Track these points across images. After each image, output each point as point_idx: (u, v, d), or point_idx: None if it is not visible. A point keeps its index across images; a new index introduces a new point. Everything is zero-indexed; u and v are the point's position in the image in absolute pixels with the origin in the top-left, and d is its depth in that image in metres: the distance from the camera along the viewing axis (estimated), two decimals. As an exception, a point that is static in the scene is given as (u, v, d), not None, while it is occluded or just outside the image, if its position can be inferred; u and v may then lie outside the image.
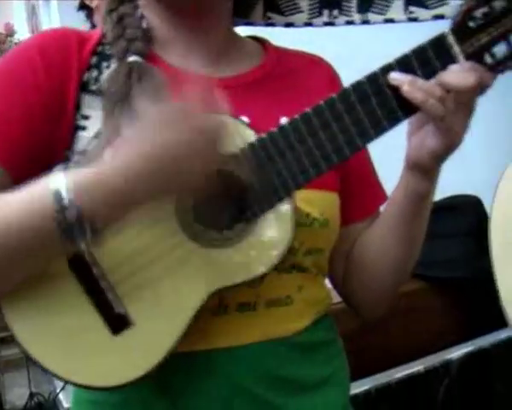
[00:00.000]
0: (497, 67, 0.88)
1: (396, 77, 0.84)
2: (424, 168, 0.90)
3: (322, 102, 0.85)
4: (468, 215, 1.54)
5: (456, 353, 1.64)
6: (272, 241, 0.85)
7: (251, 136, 0.85)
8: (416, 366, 1.58)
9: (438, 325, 1.58)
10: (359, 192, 1.03)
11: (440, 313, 1.60)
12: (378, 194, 1.03)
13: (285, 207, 0.86)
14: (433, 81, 0.84)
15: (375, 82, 0.85)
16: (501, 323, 1.36)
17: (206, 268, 0.84)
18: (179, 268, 0.85)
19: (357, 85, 0.85)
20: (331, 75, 1.05)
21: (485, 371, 1.55)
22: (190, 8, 0.94)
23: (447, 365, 1.65)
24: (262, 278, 0.87)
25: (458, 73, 0.83)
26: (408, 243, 0.98)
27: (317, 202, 0.93)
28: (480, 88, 0.84)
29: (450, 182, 1.61)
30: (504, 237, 1.38)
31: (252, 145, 0.84)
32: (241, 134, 0.85)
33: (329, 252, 0.99)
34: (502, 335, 1.50)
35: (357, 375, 1.47)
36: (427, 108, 0.83)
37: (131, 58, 0.91)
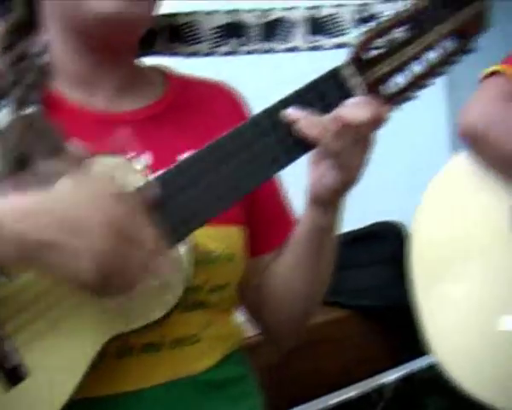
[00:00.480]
0: (398, 98, 0.87)
1: (292, 113, 0.82)
2: (324, 203, 0.89)
3: (217, 140, 0.83)
4: (390, 242, 1.54)
5: (389, 377, 1.65)
6: (168, 283, 0.83)
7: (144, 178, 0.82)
8: (350, 392, 1.58)
9: (362, 353, 1.57)
10: (266, 224, 1.02)
11: (364, 341, 1.59)
12: (286, 225, 1.01)
13: (182, 247, 0.84)
14: (329, 116, 0.82)
15: (272, 117, 0.84)
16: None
17: (102, 315, 0.82)
18: (77, 314, 0.82)
19: (254, 121, 0.84)
20: (236, 101, 1.04)
21: (417, 394, 1.55)
22: (100, 38, 0.91)
23: (380, 390, 1.65)
24: (164, 318, 0.85)
25: (353, 108, 0.82)
26: (314, 274, 0.97)
27: (221, 237, 0.91)
28: (377, 122, 0.83)
29: (379, 209, 1.62)
30: (423, 262, 1.37)
31: (147, 185, 0.82)
32: (136, 177, 0.82)
33: (236, 285, 0.97)
34: (429, 359, 1.50)
35: (287, 403, 1.47)
36: (322, 144, 0.82)
37: (29, 110, 0.87)
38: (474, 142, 1.31)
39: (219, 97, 1.03)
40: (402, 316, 1.36)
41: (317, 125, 0.81)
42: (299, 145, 0.83)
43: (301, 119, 0.82)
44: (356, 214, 1.99)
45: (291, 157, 0.84)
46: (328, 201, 0.88)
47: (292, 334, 1.05)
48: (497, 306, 1.31)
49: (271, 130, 0.83)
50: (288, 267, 0.98)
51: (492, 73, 1.32)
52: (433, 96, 1.43)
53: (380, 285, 1.60)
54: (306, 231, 0.93)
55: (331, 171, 0.85)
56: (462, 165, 1.36)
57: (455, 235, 1.35)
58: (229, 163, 0.83)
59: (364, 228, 1.82)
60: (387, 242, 1.61)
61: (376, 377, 1.63)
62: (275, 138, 0.83)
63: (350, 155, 0.83)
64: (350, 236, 1.76)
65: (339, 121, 0.81)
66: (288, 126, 0.83)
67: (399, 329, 1.38)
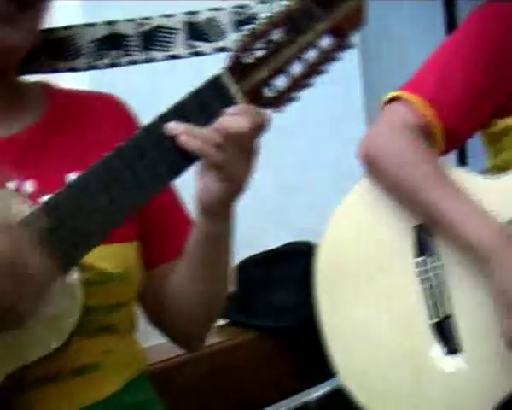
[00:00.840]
0: (279, 101, 0.87)
1: (172, 127, 0.81)
2: (212, 213, 0.88)
3: (102, 159, 0.82)
4: (303, 261, 1.53)
5: (314, 394, 1.66)
6: (64, 311, 0.82)
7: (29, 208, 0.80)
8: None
9: (272, 375, 1.57)
10: (162, 235, 1.02)
11: (274, 363, 1.59)
12: (183, 233, 1.01)
13: (74, 272, 0.82)
14: (209, 128, 0.82)
15: (153, 133, 0.82)
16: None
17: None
18: None
19: (136, 139, 0.82)
20: (123, 113, 1.02)
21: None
22: None
23: (305, 407, 1.66)
24: (63, 347, 0.83)
25: (233, 118, 0.81)
26: (209, 281, 0.97)
27: (112, 255, 0.90)
28: (258, 129, 0.82)
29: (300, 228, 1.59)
30: (327, 283, 1.36)
31: (33, 214, 0.80)
32: (21, 207, 0.80)
33: (134, 303, 0.97)
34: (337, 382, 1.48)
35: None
36: (204, 156, 0.81)
37: None
38: (369, 168, 1.33)
39: (106, 111, 1.00)
40: (316, 337, 1.35)
41: (198, 138, 0.80)
42: (182, 159, 0.82)
43: (181, 132, 0.80)
44: (277, 234, 2.02)
45: (176, 172, 0.83)
46: (215, 211, 0.88)
47: (196, 338, 1.06)
48: (396, 325, 1.32)
49: (153, 146, 0.82)
50: (183, 276, 0.98)
51: (392, 99, 1.32)
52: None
53: (292, 306, 1.59)
54: (197, 241, 0.93)
55: (216, 181, 0.84)
56: (371, 186, 1.35)
57: (357, 256, 1.35)
58: (114, 183, 0.81)
59: (278, 248, 1.82)
60: (300, 262, 1.59)
61: (294, 397, 1.64)
62: (157, 154, 0.82)
63: (235, 165, 0.82)
64: (263, 256, 1.76)
65: (219, 131, 0.80)
66: (171, 141, 0.82)
67: (314, 350, 1.36)
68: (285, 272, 1.68)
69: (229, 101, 0.83)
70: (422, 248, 1.32)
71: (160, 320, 1.05)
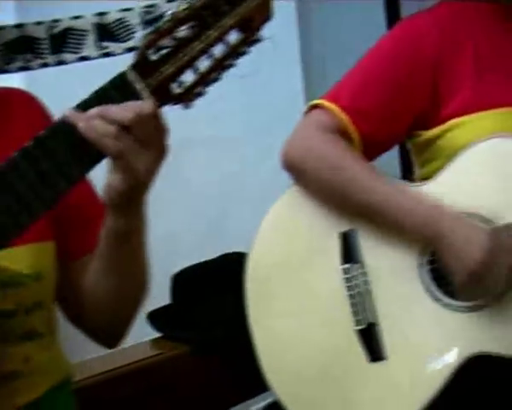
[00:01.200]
0: (187, 96, 0.87)
1: (71, 115, 0.81)
2: (117, 207, 0.88)
3: (10, 158, 0.82)
4: (235, 273, 1.52)
5: (253, 408, 1.65)
6: None
7: None
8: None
9: (208, 388, 1.55)
10: (78, 230, 1.02)
11: (210, 376, 1.58)
12: (99, 226, 1.00)
13: None
14: (94, 111, 0.81)
15: (60, 131, 0.82)
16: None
17: None
18: None
19: (42, 137, 0.82)
20: (35, 108, 1.02)
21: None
22: None
23: None
24: None
25: (120, 108, 0.81)
26: (123, 276, 0.96)
27: (26, 256, 0.90)
28: (143, 119, 0.82)
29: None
30: (256, 292, 1.35)
31: None
32: None
33: (53, 305, 0.96)
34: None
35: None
36: (101, 145, 0.81)
37: None
38: (294, 174, 1.34)
39: (21, 106, 1.00)
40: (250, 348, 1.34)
41: (96, 127, 0.80)
42: (89, 154, 0.82)
43: (81, 120, 0.80)
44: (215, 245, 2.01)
45: (84, 167, 0.83)
46: (119, 205, 0.87)
47: (115, 334, 1.05)
48: (324, 333, 1.32)
49: (60, 143, 0.82)
50: (98, 270, 0.97)
51: (314, 107, 1.35)
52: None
53: (226, 318, 1.57)
54: (105, 237, 0.93)
55: (116, 173, 0.84)
56: (299, 193, 1.36)
57: (285, 264, 1.35)
58: (21, 183, 0.81)
59: (211, 260, 1.82)
60: (234, 272, 1.58)
61: (244, 405, 1.62)
62: (64, 151, 0.82)
63: (132, 155, 0.82)
64: (196, 268, 1.76)
65: (111, 121, 0.80)
66: (77, 137, 0.82)
67: (249, 361, 1.34)
68: (219, 283, 1.68)
69: (135, 97, 0.83)
70: (349, 254, 1.33)
71: (78, 316, 1.04)
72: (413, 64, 1.32)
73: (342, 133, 1.31)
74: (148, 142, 0.83)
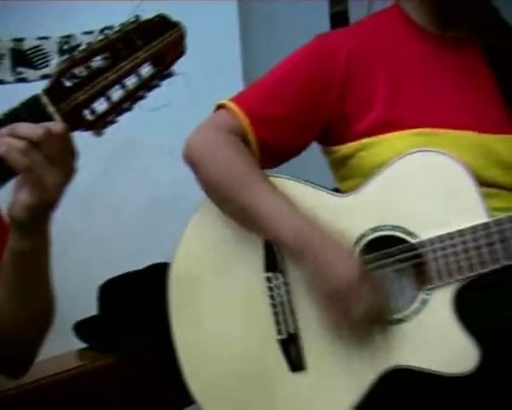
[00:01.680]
0: (98, 124, 0.90)
1: None
2: (21, 225, 0.89)
3: None
4: (161, 282, 1.52)
5: None
6: None
7: None
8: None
9: (135, 399, 1.53)
10: None
11: (137, 386, 1.55)
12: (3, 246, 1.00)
13: None
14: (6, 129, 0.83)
15: None
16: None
17: None
18: None
19: None
20: None
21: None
22: None
23: None
24: None
25: (29, 125, 0.83)
26: (23, 297, 0.96)
27: None
28: (51, 137, 0.84)
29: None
30: (178, 301, 1.35)
31: None
32: None
33: None
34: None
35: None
36: (10, 159, 0.83)
37: None
38: (192, 168, 1.35)
39: None
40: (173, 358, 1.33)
41: (5, 142, 0.82)
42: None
43: None
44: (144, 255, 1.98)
45: None
46: (23, 222, 0.88)
47: (21, 362, 1.04)
48: (247, 342, 1.31)
49: None
50: (2, 293, 0.96)
51: (221, 106, 1.37)
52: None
53: (153, 327, 1.54)
54: (9, 256, 0.93)
55: (23, 189, 0.86)
56: None
57: (206, 272, 1.34)
58: None
59: (138, 270, 1.80)
60: (160, 282, 1.57)
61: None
62: None
63: (41, 173, 0.84)
64: (123, 278, 1.74)
65: (18, 136, 0.82)
66: None
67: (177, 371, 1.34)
68: (146, 293, 1.66)
69: (46, 120, 0.85)
70: (272, 263, 1.32)
71: None
72: (320, 77, 1.34)
73: (241, 136, 1.33)
74: (57, 160, 0.85)
